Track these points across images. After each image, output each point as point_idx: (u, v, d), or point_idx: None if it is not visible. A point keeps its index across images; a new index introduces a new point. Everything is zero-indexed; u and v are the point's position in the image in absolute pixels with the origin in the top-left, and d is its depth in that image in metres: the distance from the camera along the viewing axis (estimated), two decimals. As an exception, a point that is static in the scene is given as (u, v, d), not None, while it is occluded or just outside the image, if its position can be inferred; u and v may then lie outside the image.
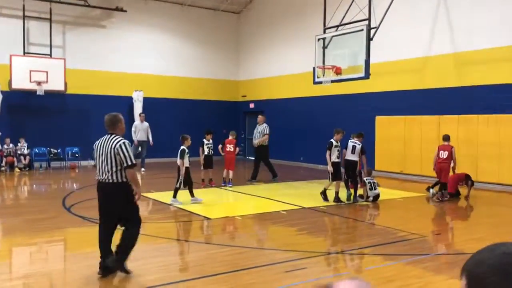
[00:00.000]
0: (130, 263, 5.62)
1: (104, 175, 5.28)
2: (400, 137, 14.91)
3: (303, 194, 11.51)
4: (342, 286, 0.83)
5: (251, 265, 5.85)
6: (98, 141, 5.43)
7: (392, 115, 15.11)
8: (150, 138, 16.91)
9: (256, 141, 13.98)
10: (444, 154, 10.78)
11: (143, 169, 16.12)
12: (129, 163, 5.22)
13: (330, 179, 10.35)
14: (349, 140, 10.67)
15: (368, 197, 10.52)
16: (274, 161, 19.95)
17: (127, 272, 5.36)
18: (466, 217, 10.03)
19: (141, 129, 16.88)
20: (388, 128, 15.29)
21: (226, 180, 12.73)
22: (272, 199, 10.73)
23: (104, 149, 5.29)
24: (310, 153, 18.18)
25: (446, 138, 11.08)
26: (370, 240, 7.36)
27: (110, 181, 5.24)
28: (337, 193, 10.29)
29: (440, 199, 10.77)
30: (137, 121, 17.19)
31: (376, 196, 10.53)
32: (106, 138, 5.37)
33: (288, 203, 10.14)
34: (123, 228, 5.52)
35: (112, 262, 5.29)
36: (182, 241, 7.23)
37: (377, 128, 15.64)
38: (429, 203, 10.86)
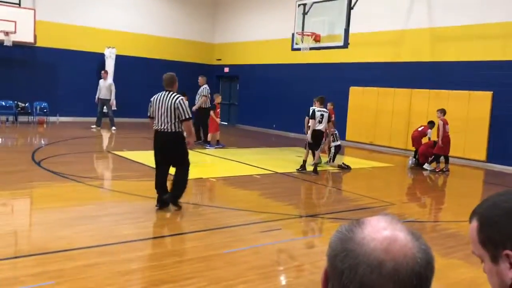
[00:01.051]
0: (106, 217, 5.64)
1: (163, 125, 6.16)
2: (372, 108, 15.12)
3: (276, 160, 11.64)
4: (374, 221, 0.89)
5: (227, 224, 5.95)
6: (156, 97, 6.27)
7: (366, 86, 15.28)
8: (113, 98, 15.91)
9: (196, 105, 13.35)
10: (447, 128, 11.16)
11: (113, 127, 15.81)
12: (187, 116, 6.18)
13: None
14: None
15: (329, 149, 10.92)
16: (246, 127, 20.10)
17: (179, 207, 6.34)
18: (432, 188, 10.38)
19: (103, 87, 15.91)
20: (361, 99, 15.46)
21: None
22: (245, 163, 10.81)
23: (164, 103, 6.13)
24: (282, 120, 18.27)
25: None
26: (340, 205, 7.57)
27: (169, 130, 6.15)
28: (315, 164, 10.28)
29: (445, 170, 11.24)
30: (101, 79, 16.30)
31: (338, 147, 11.00)
32: (165, 94, 6.22)
33: (261, 168, 10.26)
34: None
35: (170, 198, 6.28)
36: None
37: (351, 98, 15.80)
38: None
